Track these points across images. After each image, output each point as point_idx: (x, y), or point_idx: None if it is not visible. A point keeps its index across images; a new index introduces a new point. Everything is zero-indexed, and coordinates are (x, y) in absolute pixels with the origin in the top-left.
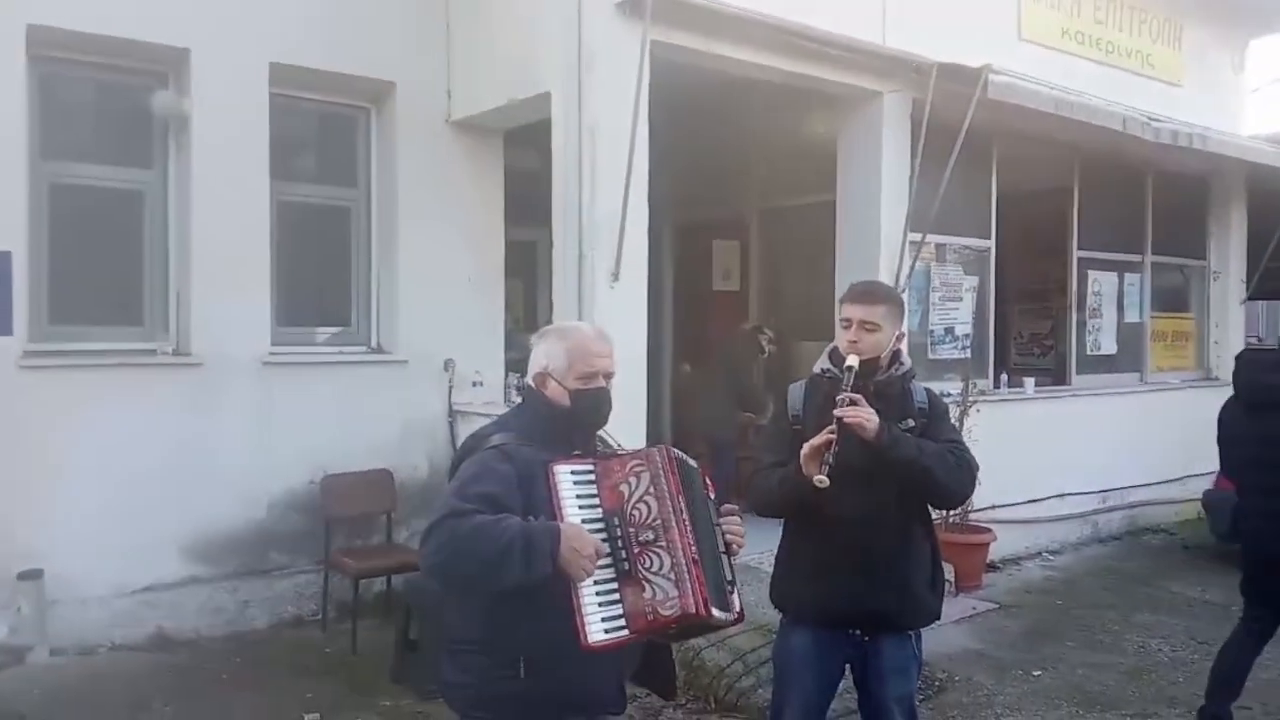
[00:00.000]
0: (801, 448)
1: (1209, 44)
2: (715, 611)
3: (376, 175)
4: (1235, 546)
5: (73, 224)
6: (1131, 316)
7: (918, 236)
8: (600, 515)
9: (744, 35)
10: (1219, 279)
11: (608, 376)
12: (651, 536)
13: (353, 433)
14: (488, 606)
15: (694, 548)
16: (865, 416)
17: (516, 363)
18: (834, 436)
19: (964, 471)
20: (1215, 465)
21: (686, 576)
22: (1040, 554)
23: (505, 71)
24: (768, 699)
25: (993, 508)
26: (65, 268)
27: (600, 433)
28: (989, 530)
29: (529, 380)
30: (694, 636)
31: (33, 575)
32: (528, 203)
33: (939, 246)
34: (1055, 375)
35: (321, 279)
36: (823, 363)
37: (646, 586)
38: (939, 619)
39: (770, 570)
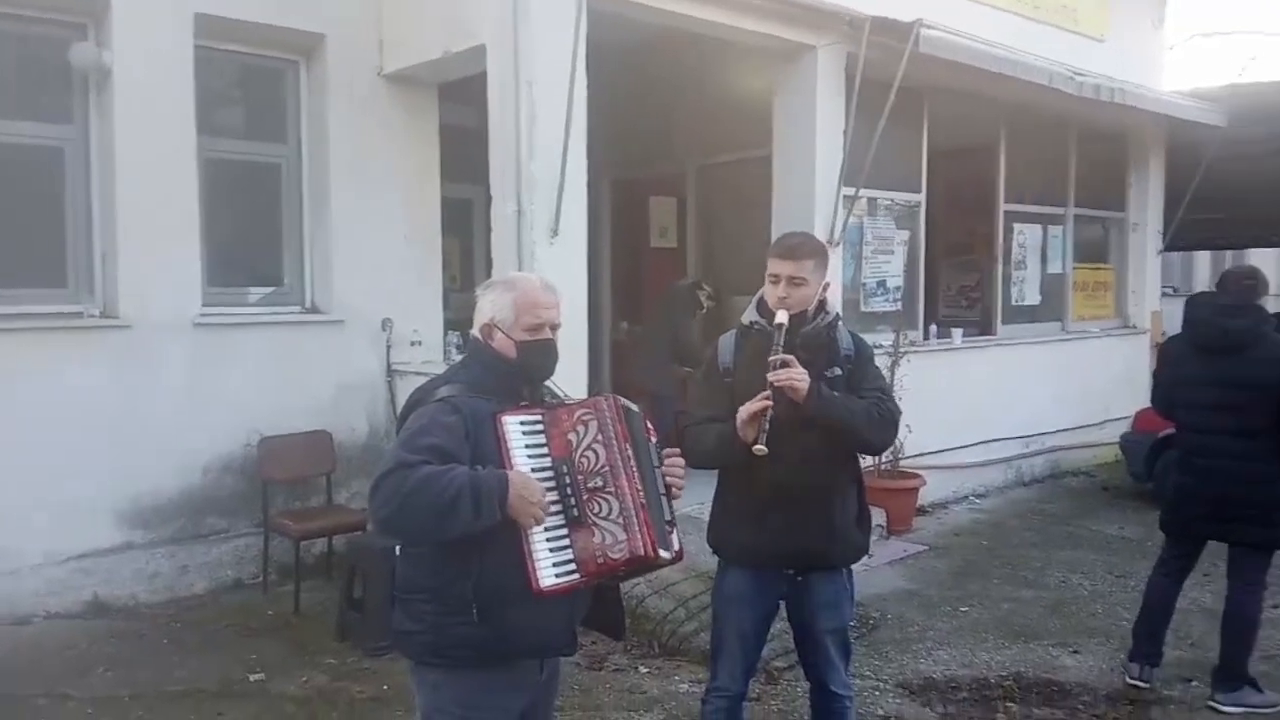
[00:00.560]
0: (736, 402)
1: None
2: (661, 552)
3: (307, 131)
4: (1149, 486)
5: None
6: (1054, 268)
7: (851, 191)
8: (549, 464)
9: None
10: (1137, 231)
11: (554, 328)
12: (600, 483)
13: (289, 394)
14: (438, 555)
15: (641, 492)
16: (797, 379)
17: (455, 322)
18: (769, 403)
19: (886, 424)
20: (1132, 410)
21: (635, 520)
22: (968, 498)
23: (439, 23)
24: (709, 642)
25: (922, 454)
26: None
27: (547, 383)
28: (919, 476)
29: (475, 332)
30: (639, 576)
31: None
32: (463, 160)
33: (871, 201)
34: (982, 326)
35: (252, 238)
36: (750, 314)
37: (596, 531)
38: (868, 555)
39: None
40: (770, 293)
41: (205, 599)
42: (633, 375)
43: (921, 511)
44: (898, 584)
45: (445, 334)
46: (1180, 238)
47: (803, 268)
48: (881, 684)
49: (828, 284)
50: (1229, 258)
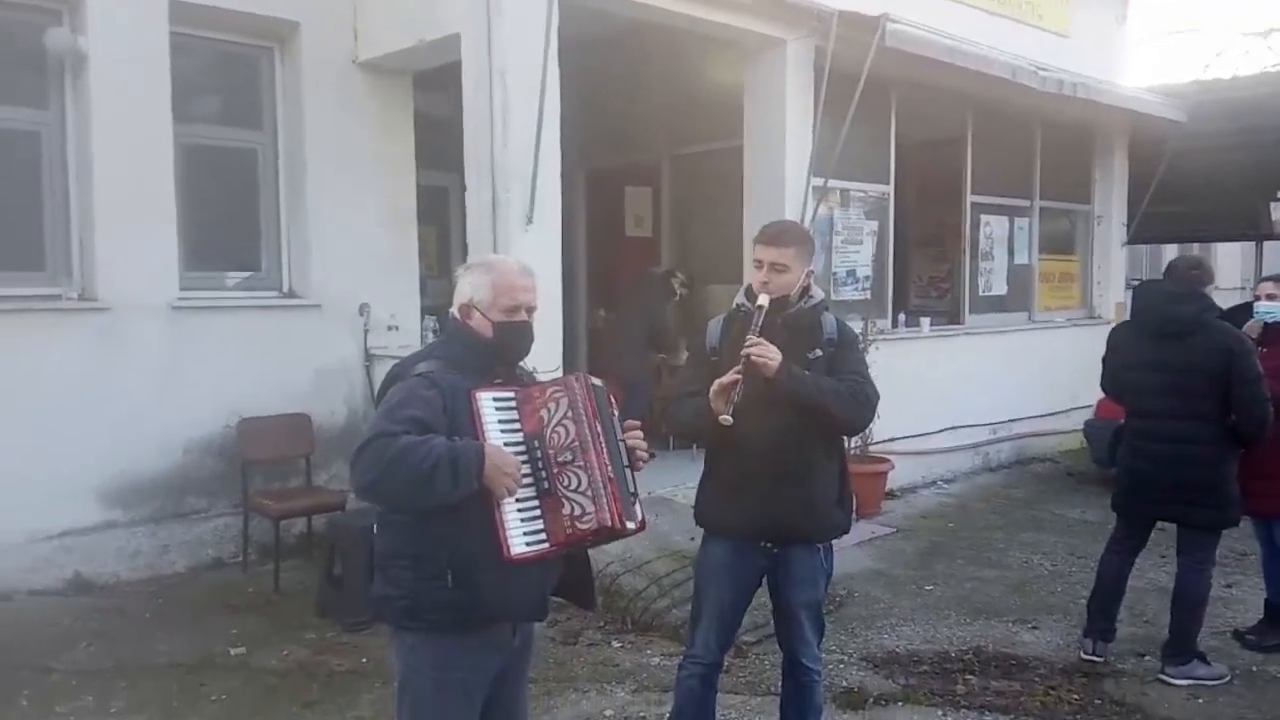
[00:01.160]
0: (717, 377)
1: None
2: (627, 523)
3: (283, 117)
4: (1111, 471)
5: None
6: (1021, 259)
7: (820, 182)
8: (521, 439)
9: None
10: (1102, 223)
11: (530, 310)
12: (570, 457)
13: (267, 378)
14: (416, 524)
15: (609, 467)
16: (769, 356)
17: (432, 308)
18: (740, 378)
19: (860, 405)
20: (1097, 398)
21: (603, 493)
22: (935, 483)
23: (413, 12)
24: (682, 619)
25: (891, 440)
26: None
27: (520, 363)
28: (887, 460)
29: (453, 311)
30: (604, 544)
31: None
32: (439, 147)
33: (841, 192)
34: (951, 316)
35: (229, 223)
36: (739, 298)
37: (565, 503)
38: (847, 533)
39: (683, 502)
40: (753, 278)
41: (186, 577)
42: (608, 362)
43: (890, 495)
44: (865, 564)
45: (422, 319)
46: (1146, 230)
47: (785, 255)
48: (847, 658)
49: (811, 271)
50: (1196, 250)
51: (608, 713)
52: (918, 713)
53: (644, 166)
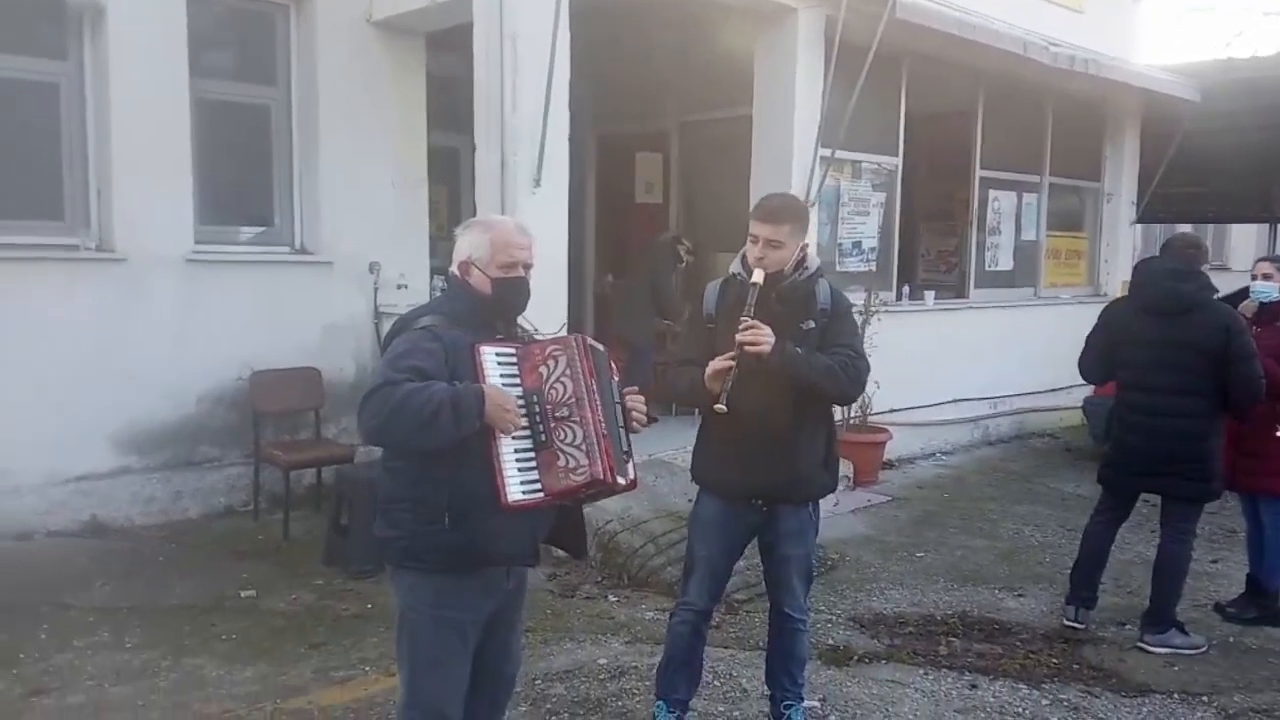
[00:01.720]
0: (715, 347)
1: None
2: (619, 479)
3: (297, 74)
4: (1107, 446)
5: None
6: (1028, 235)
7: (828, 152)
8: (521, 393)
9: None
10: (1111, 201)
11: (527, 267)
12: (566, 413)
13: (279, 332)
14: (417, 468)
15: (603, 423)
16: (762, 341)
17: (442, 268)
18: (734, 364)
19: (851, 380)
20: None
21: (596, 448)
22: (934, 454)
23: None
24: (676, 576)
25: (891, 411)
26: None
27: (520, 320)
28: (885, 430)
29: (453, 269)
30: (598, 500)
31: None
32: (451, 108)
33: (850, 164)
34: (958, 290)
35: (243, 178)
36: (736, 265)
37: (561, 456)
38: (833, 492)
39: (682, 465)
40: (749, 251)
41: (198, 523)
42: (614, 327)
43: (889, 465)
44: (858, 530)
45: (432, 279)
46: (1157, 209)
47: (779, 231)
48: (834, 618)
49: (806, 244)
50: (1210, 231)
51: (601, 661)
52: (900, 670)
53: (654, 133)
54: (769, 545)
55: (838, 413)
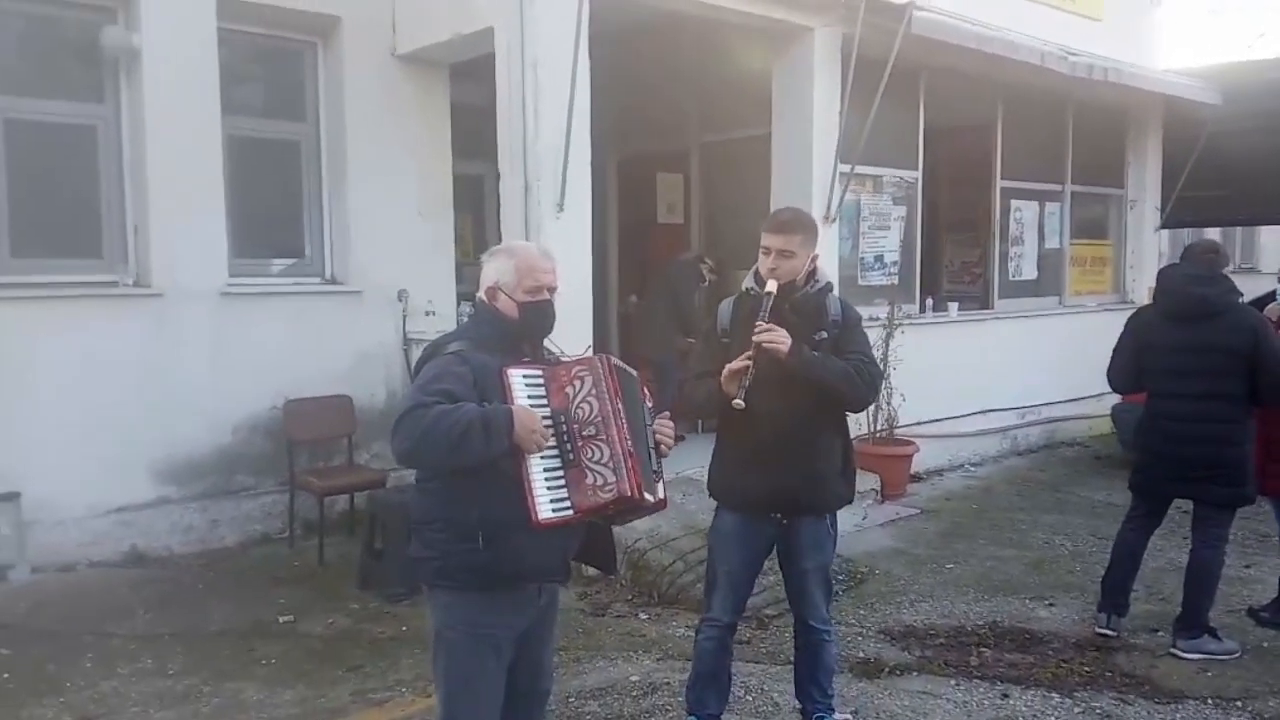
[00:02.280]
0: (728, 357)
1: None
2: (646, 495)
3: (325, 109)
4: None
5: (29, 159)
6: (1052, 243)
7: (848, 168)
8: (548, 413)
9: None
10: (1135, 207)
11: (551, 290)
12: (593, 431)
13: (311, 361)
14: (449, 489)
15: (629, 441)
16: (780, 341)
17: (468, 294)
18: (750, 364)
19: (865, 384)
20: None
21: (623, 465)
22: (963, 466)
23: (448, 6)
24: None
25: (918, 423)
26: (24, 203)
27: (545, 343)
28: (912, 443)
29: (480, 294)
30: (628, 519)
31: (10, 498)
32: (474, 136)
33: (869, 178)
34: (983, 301)
35: (275, 212)
36: (748, 281)
37: (588, 474)
38: (850, 502)
39: None
40: (762, 264)
41: (235, 551)
42: (639, 346)
43: (917, 478)
44: (887, 543)
45: (459, 305)
46: (1182, 214)
47: (791, 242)
48: (865, 630)
49: (816, 255)
50: (1239, 234)
51: (633, 678)
52: (931, 682)
53: (674, 153)
54: (788, 558)
55: (862, 425)
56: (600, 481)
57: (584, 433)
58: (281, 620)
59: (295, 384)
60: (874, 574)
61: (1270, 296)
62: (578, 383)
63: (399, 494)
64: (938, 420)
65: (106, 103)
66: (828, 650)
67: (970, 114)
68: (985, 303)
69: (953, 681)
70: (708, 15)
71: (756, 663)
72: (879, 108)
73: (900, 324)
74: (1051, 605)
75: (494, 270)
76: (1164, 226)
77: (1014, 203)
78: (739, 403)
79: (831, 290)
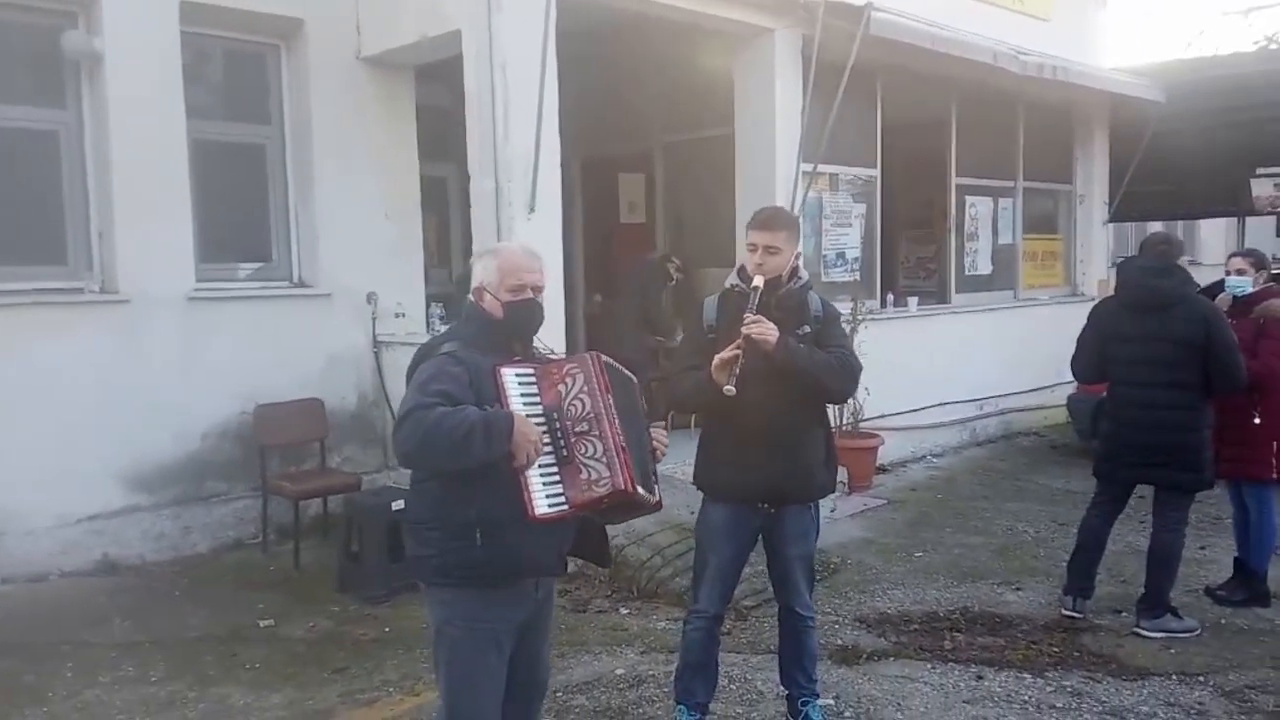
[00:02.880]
0: (715, 352)
1: None
2: (641, 490)
3: (290, 112)
4: (1093, 443)
5: None
6: (1005, 239)
7: (810, 167)
8: (541, 410)
9: None
10: (1084, 202)
11: (536, 289)
12: (586, 428)
13: (280, 365)
14: (445, 489)
15: (621, 437)
16: (768, 332)
17: (436, 295)
18: (740, 352)
19: (848, 374)
20: None
21: (616, 460)
22: (925, 457)
23: (415, 9)
24: (684, 586)
25: (881, 416)
26: None
27: (536, 343)
28: (877, 436)
29: (470, 295)
30: (625, 517)
31: None
32: (438, 138)
33: (830, 176)
34: (939, 296)
35: (241, 216)
36: (732, 279)
37: (583, 469)
38: (833, 491)
39: (683, 478)
40: (749, 259)
41: (208, 557)
42: (605, 346)
43: (881, 470)
44: (857, 534)
45: (428, 306)
46: (1129, 208)
47: (776, 238)
48: (840, 619)
49: (799, 253)
50: (1180, 228)
51: (619, 671)
52: (908, 666)
53: (637, 154)
54: (774, 547)
55: (831, 419)
56: (595, 476)
57: (577, 429)
58: (262, 624)
59: (265, 388)
60: (846, 564)
61: (1220, 285)
62: (570, 380)
63: (375, 496)
64: (900, 413)
65: (69, 107)
66: (812, 636)
67: (926, 113)
68: (942, 297)
69: (929, 665)
70: (668, 16)
71: (738, 653)
72: (839, 107)
73: (864, 319)
74: (1019, 590)
75: (480, 270)
76: (1111, 220)
77: (969, 199)
78: (730, 389)
79: (811, 288)
